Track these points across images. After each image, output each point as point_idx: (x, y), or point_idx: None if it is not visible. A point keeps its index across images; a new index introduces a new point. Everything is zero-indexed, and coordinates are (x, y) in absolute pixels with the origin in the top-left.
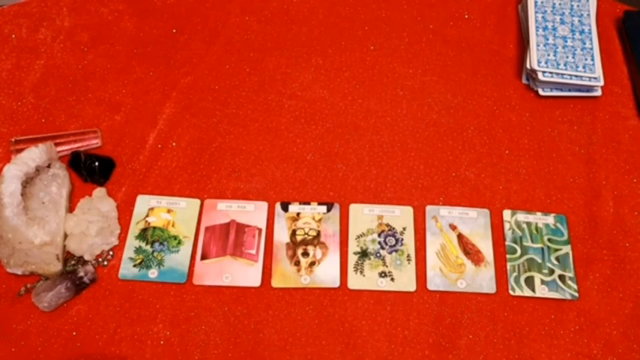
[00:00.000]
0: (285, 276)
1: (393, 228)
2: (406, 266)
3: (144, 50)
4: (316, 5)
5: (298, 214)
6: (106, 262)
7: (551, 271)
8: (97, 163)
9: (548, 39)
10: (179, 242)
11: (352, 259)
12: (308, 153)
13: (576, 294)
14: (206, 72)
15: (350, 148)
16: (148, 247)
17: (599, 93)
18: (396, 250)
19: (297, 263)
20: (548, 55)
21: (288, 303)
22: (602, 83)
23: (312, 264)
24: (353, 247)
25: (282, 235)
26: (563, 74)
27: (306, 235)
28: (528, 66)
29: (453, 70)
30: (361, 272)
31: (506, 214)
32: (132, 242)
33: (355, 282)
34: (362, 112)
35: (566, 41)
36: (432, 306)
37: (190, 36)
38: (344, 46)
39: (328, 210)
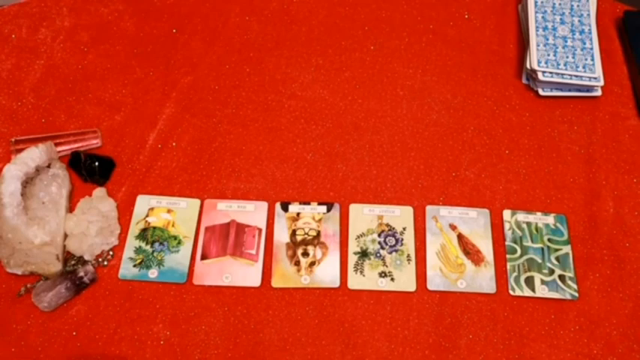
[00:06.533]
0: (285, 276)
1: (393, 228)
2: (406, 266)
3: (144, 50)
4: (316, 5)
5: (298, 214)
6: (106, 262)
7: (551, 271)
8: (97, 163)
9: (548, 39)
10: (179, 242)
11: (352, 259)
12: (308, 153)
13: (576, 294)
14: (206, 72)
15: (350, 148)
16: (148, 247)
17: (599, 93)
18: (396, 250)
19: (297, 263)
20: (548, 55)
21: (288, 303)
22: (602, 83)
23: (312, 264)
24: (353, 247)
25: (282, 235)
26: (563, 74)
27: (306, 235)
28: (528, 66)
29: (453, 70)
30: (361, 272)
31: (506, 214)
32: (132, 242)
33: (355, 282)
34: (362, 112)
35: (566, 41)
36: (432, 306)
37: (190, 36)
38: (344, 46)
39: (328, 210)
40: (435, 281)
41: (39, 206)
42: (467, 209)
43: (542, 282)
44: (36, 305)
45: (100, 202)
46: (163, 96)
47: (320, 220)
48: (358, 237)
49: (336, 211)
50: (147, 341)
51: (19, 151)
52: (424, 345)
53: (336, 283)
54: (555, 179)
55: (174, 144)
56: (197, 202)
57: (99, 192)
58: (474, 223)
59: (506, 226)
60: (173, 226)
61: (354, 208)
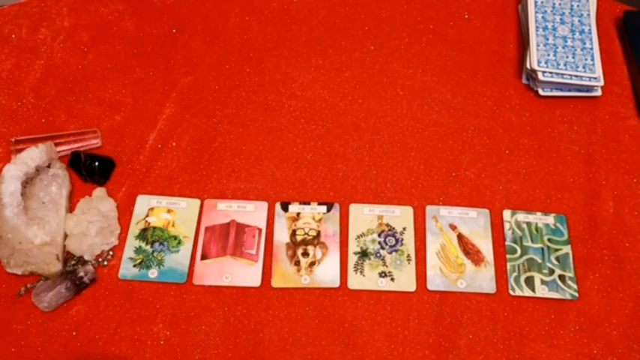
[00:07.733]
0: (285, 276)
1: (393, 228)
2: (406, 266)
3: (144, 50)
4: (316, 5)
5: (298, 214)
6: (106, 262)
7: (551, 271)
8: (97, 163)
9: (548, 39)
10: (179, 242)
11: (352, 259)
12: (308, 153)
13: (576, 294)
14: (206, 72)
15: (350, 148)
16: (148, 247)
17: (599, 93)
18: (396, 250)
19: (297, 263)
20: (548, 55)
21: (288, 303)
22: (602, 83)
23: (312, 264)
24: (353, 247)
25: (282, 235)
26: (563, 74)
27: (306, 235)
28: (528, 66)
29: (453, 70)
30: (361, 272)
31: (506, 214)
32: (132, 242)
33: (355, 282)
34: (362, 112)
35: (566, 41)
36: (432, 306)
37: (190, 36)
38: (344, 46)
39: (328, 210)
40: (435, 281)
41: (39, 206)
42: (467, 209)
43: (542, 282)
44: (36, 305)
45: (100, 202)
46: (163, 96)
47: (320, 220)
48: (358, 237)
49: (336, 211)
50: (147, 341)
51: (19, 151)
52: (424, 345)
53: (336, 283)
54: (555, 179)
55: (174, 144)
56: (197, 202)
57: (99, 192)
58: (474, 223)
59: (506, 226)
60: (173, 226)
61: (354, 208)
